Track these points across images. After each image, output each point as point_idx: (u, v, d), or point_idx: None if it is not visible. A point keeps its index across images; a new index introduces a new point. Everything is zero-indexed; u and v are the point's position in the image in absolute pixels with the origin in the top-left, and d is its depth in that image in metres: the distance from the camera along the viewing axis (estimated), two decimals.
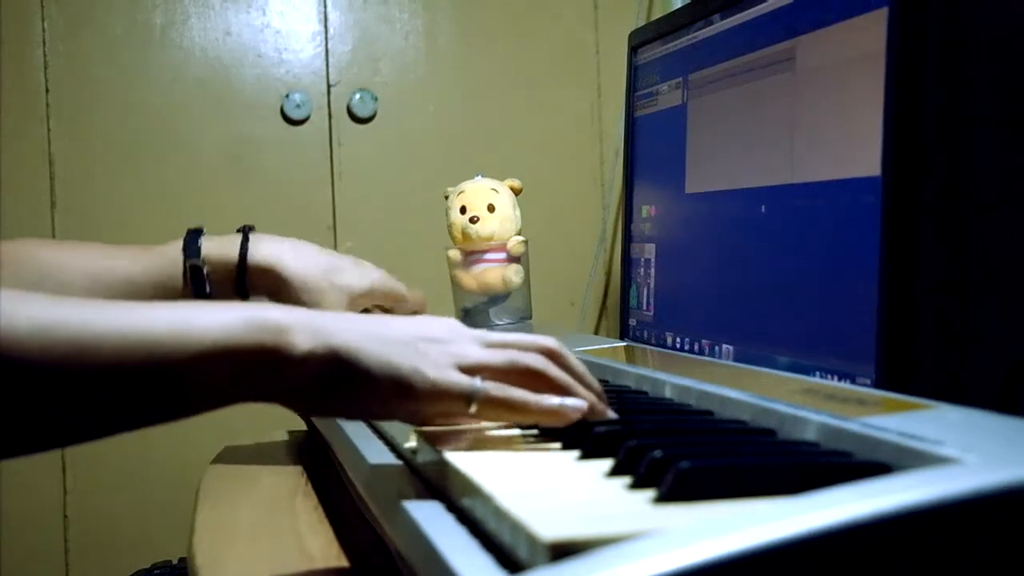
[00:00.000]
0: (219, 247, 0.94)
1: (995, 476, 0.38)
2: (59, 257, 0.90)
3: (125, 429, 0.56)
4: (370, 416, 0.62)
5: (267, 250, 0.94)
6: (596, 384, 0.64)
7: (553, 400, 0.60)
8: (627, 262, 1.27)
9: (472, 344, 0.61)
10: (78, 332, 0.52)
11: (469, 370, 0.59)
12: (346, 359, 0.56)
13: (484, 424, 0.65)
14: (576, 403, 0.60)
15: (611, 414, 0.62)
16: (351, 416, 0.64)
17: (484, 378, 0.59)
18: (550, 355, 0.62)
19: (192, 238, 0.95)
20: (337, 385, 0.57)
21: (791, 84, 0.93)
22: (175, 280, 0.93)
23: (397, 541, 0.55)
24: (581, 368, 0.63)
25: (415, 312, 0.98)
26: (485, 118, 1.82)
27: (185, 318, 0.54)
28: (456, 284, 1.27)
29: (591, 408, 0.61)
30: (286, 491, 0.86)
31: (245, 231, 0.96)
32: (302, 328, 0.56)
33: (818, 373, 0.84)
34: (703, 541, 0.35)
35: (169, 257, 0.94)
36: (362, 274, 1.00)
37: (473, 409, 0.58)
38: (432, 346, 0.59)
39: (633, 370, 0.79)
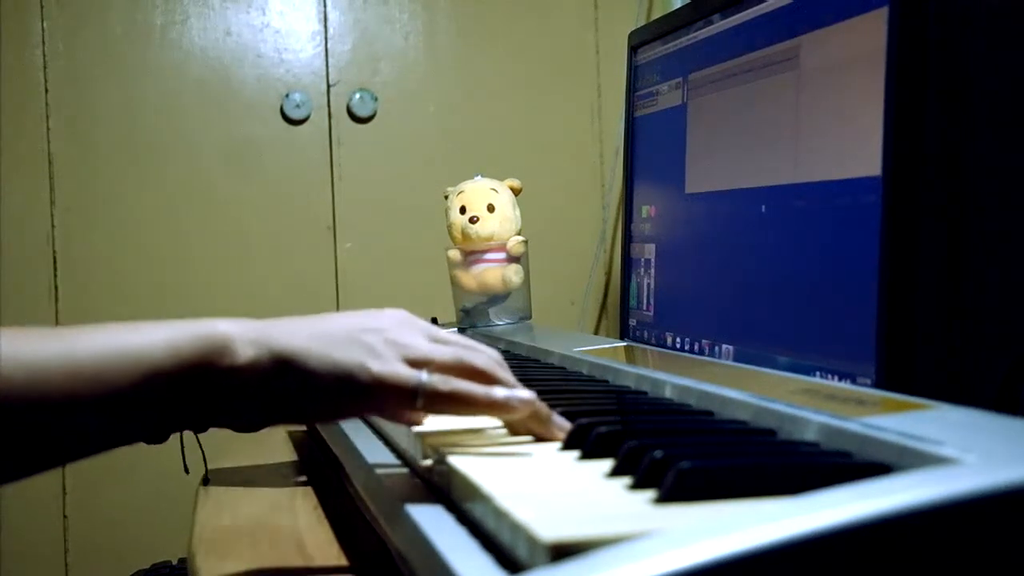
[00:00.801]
0: None
1: (995, 476, 0.38)
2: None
3: (79, 456, 0.56)
4: (318, 418, 0.61)
5: None
6: (541, 403, 0.62)
7: (500, 392, 0.59)
8: (627, 262, 1.27)
9: (418, 336, 0.60)
10: (29, 361, 0.51)
11: (415, 363, 0.58)
12: (290, 361, 0.56)
13: (483, 424, 0.65)
14: (525, 395, 0.60)
15: (561, 421, 0.61)
16: (300, 421, 0.63)
17: (430, 372, 0.58)
18: (499, 363, 0.62)
19: None
20: (283, 390, 0.56)
21: (791, 84, 0.93)
22: None
23: (397, 541, 0.55)
24: (513, 379, 0.63)
25: None
26: (485, 118, 1.82)
27: (128, 339, 0.54)
28: (456, 284, 1.27)
29: (537, 410, 0.60)
30: (286, 491, 0.86)
31: None
32: (245, 338, 0.56)
33: (818, 373, 0.84)
34: (703, 541, 0.35)
35: None
36: None
37: (419, 403, 0.57)
38: (376, 338, 0.58)
39: (633, 370, 0.79)
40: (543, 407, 0.61)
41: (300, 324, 0.59)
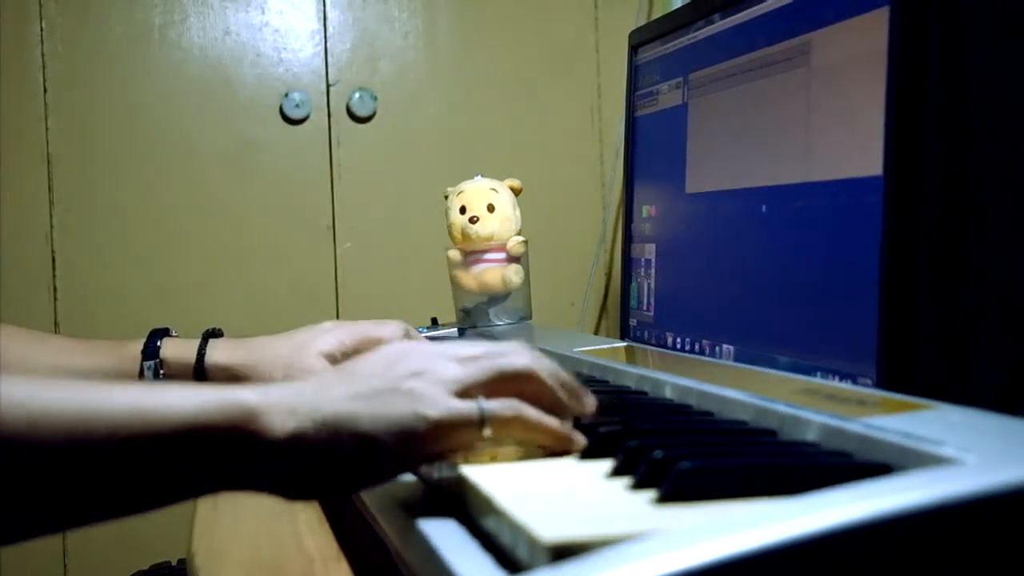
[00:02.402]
0: (178, 349, 0.89)
1: (995, 476, 0.38)
2: (26, 349, 0.87)
3: (89, 521, 0.53)
4: (378, 482, 0.57)
5: (224, 353, 0.88)
6: (583, 389, 0.62)
7: (564, 426, 0.58)
8: (627, 262, 1.27)
9: (448, 363, 0.58)
10: (41, 411, 0.49)
11: (462, 393, 0.56)
12: (340, 426, 0.53)
13: None
14: (579, 437, 0.58)
15: (581, 439, 0.60)
16: (353, 490, 0.59)
17: (480, 396, 0.56)
18: (533, 355, 0.60)
19: (153, 339, 0.90)
20: (336, 460, 0.53)
21: (793, 84, 0.93)
22: (131, 379, 0.88)
23: (396, 541, 0.55)
24: (557, 377, 0.61)
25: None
26: (485, 118, 1.82)
27: (150, 398, 0.51)
28: (456, 284, 1.27)
29: (578, 441, 0.59)
30: None
31: (208, 334, 0.91)
32: (278, 409, 0.52)
33: (818, 373, 0.84)
34: (704, 542, 0.35)
35: (128, 356, 0.89)
36: (325, 342, 0.88)
37: (488, 432, 0.55)
38: (416, 382, 0.56)
39: (633, 370, 0.79)
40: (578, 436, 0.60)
41: (331, 387, 0.55)
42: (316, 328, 0.88)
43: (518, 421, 0.56)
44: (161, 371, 0.88)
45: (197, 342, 0.89)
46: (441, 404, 0.55)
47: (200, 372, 0.88)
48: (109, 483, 0.51)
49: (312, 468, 0.53)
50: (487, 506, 0.48)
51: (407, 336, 0.90)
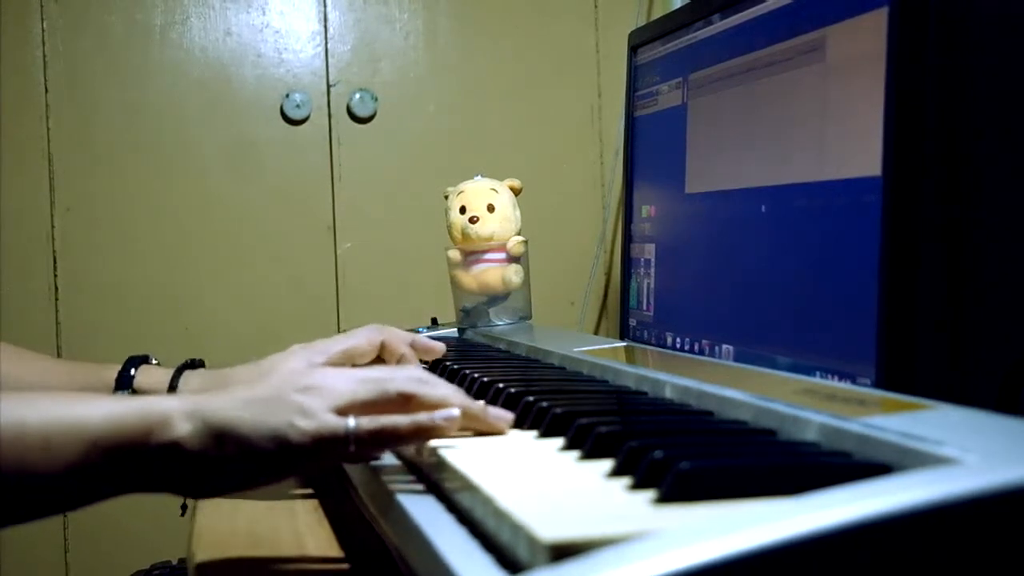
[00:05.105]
0: (151, 378, 0.89)
1: (995, 476, 0.38)
2: (18, 368, 0.87)
3: (16, 520, 0.59)
4: (266, 481, 0.62)
5: (197, 382, 0.87)
6: (474, 402, 0.65)
7: (422, 416, 0.61)
8: (627, 262, 1.27)
9: (341, 382, 0.61)
10: None
11: (343, 410, 0.60)
12: (224, 431, 0.58)
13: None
14: (446, 413, 0.61)
15: (498, 412, 0.65)
16: (250, 485, 0.63)
17: (356, 415, 0.59)
18: (419, 380, 0.63)
19: (128, 367, 0.89)
20: (225, 459, 0.58)
21: (792, 84, 0.93)
22: None
23: (397, 541, 0.55)
24: (452, 388, 0.64)
25: (400, 357, 0.91)
26: (485, 118, 1.82)
27: (75, 409, 0.58)
28: (456, 284, 1.27)
29: (470, 412, 0.62)
30: (286, 492, 0.86)
31: (185, 365, 0.90)
32: (182, 412, 0.58)
33: (818, 373, 0.84)
34: (703, 542, 0.35)
35: (103, 381, 0.89)
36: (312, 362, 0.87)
37: (352, 448, 0.59)
38: (303, 396, 0.59)
39: (633, 370, 0.79)
40: (474, 405, 0.64)
41: (231, 394, 0.60)
42: (283, 354, 0.87)
43: (381, 434, 0.59)
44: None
45: (172, 372, 0.88)
46: (316, 418, 0.59)
47: None
48: (45, 486, 0.57)
49: (201, 468, 0.59)
50: (487, 505, 0.48)
51: (386, 337, 0.88)
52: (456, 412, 0.61)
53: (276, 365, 0.84)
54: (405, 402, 0.62)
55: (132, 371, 0.88)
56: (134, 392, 0.87)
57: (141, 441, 0.57)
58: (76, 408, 0.58)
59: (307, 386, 0.60)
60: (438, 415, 0.61)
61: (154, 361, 0.91)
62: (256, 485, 0.62)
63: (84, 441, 0.57)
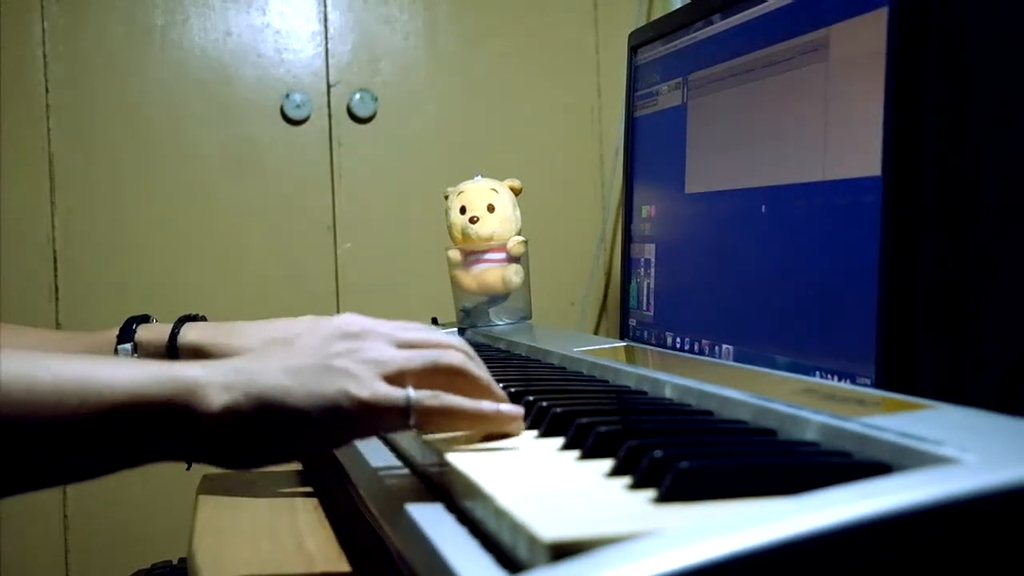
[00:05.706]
0: (152, 332, 0.91)
1: (995, 476, 0.38)
2: (11, 340, 0.87)
3: (39, 485, 0.56)
4: (312, 451, 0.59)
5: (197, 333, 0.89)
6: (500, 390, 0.64)
7: (490, 405, 0.60)
8: (627, 262, 1.27)
9: (386, 346, 0.59)
10: (27, 381, 0.52)
11: (393, 378, 0.58)
12: (269, 401, 0.55)
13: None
14: (512, 409, 0.60)
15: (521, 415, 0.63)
16: (283, 460, 0.61)
17: (410, 385, 0.58)
18: (468, 356, 0.63)
19: (129, 324, 0.91)
20: (263, 430, 0.55)
21: (792, 84, 0.93)
22: None
23: (397, 541, 0.55)
24: (487, 374, 0.64)
25: None
26: (485, 118, 1.82)
27: (94, 372, 0.53)
28: (456, 284, 1.27)
29: (513, 415, 0.61)
30: (286, 492, 0.86)
31: (185, 318, 0.92)
32: (216, 384, 0.54)
33: (818, 373, 0.84)
34: (703, 541, 0.35)
35: (104, 340, 0.90)
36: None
37: (412, 421, 0.57)
38: (349, 360, 0.57)
39: (633, 370, 0.79)
40: (500, 392, 0.63)
41: (266, 362, 0.57)
42: (293, 319, 0.89)
43: (444, 412, 0.58)
44: (135, 354, 0.89)
45: (171, 325, 0.89)
46: (370, 386, 0.56)
47: (173, 352, 0.88)
48: (58, 450, 0.53)
49: (243, 440, 0.55)
50: (487, 504, 0.48)
51: None
52: (521, 410, 0.60)
53: (294, 326, 0.85)
54: (454, 375, 0.60)
55: (133, 327, 0.90)
56: (136, 346, 0.89)
57: (168, 409, 0.53)
58: (99, 370, 0.54)
59: (350, 349, 0.58)
60: (505, 408, 0.60)
61: (154, 320, 0.92)
62: (297, 458, 0.59)
63: (105, 406, 0.53)
